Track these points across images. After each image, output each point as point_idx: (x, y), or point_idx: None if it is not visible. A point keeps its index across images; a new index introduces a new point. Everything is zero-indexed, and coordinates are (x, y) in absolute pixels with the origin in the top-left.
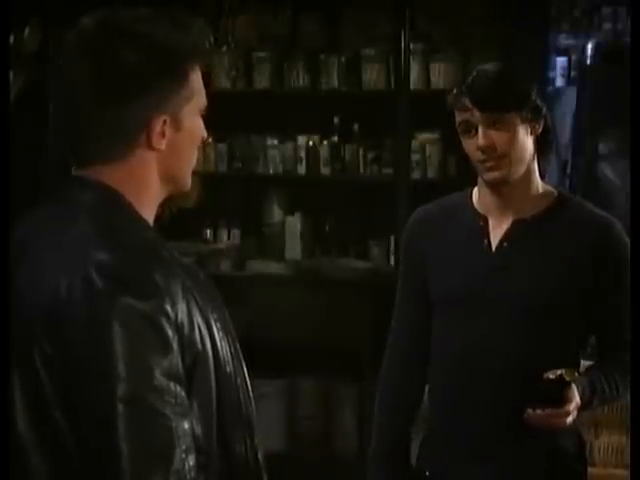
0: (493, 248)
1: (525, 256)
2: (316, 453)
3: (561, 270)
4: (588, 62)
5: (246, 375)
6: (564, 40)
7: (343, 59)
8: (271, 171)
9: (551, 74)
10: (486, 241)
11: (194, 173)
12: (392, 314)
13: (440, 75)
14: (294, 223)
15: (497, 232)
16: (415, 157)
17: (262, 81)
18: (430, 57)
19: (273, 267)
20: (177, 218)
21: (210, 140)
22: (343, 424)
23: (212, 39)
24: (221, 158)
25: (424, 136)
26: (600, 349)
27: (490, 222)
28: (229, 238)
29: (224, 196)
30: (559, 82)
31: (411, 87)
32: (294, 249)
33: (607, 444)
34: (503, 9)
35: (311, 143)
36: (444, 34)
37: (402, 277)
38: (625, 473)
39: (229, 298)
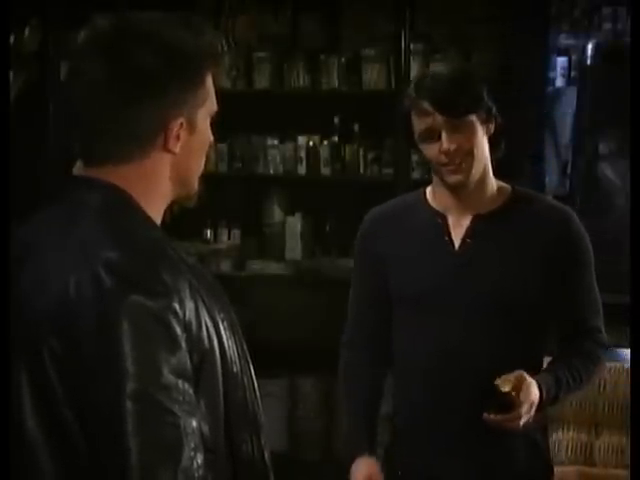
0: (456, 246)
1: (489, 252)
2: (316, 453)
3: (526, 264)
4: (588, 62)
5: (253, 375)
6: (564, 40)
7: (343, 59)
8: (271, 171)
9: (551, 74)
10: (447, 239)
11: None
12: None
13: None
14: (294, 223)
15: (458, 230)
16: (415, 157)
17: (262, 81)
18: (430, 57)
19: (273, 267)
20: (178, 218)
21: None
22: (343, 424)
23: (225, 44)
24: (221, 158)
25: None
26: (562, 339)
27: (449, 220)
28: (229, 238)
29: (224, 196)
30: (559, 82)
31: None
32: (294, 249)
33: (607, 444)
34: (503, 9)
35: (311, 143)
36: (444, 34)
37: (359, 277)
38: (625, 473)
39: (229, 298)
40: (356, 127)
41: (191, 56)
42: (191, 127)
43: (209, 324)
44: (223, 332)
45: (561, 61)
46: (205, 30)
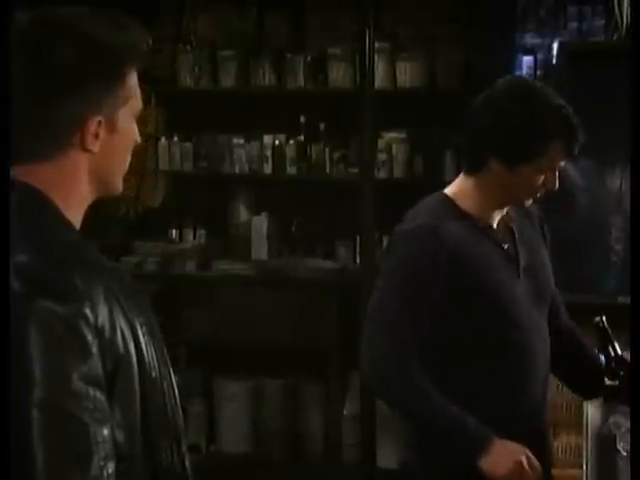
0: (505, 248)
1: (524, 252)
2: (282, 454)
3: (543, 256)
4: (554, 61)
5: (173, 380)
6: (530, 39)
7: (309, 58)
8: (237, 170)
9: (517, 73)
10: (499, 245)
11: (162, 173)
12: (358, 313)
13: (406, 74)
14: (260, 223)
15: (500, 236)
16: (381, 156)
17: (228, 80)
18: (396, 56)
19: (239, 267)
20: (143, 218)
21: (176, 139)
22: (310, 425)
23: (150, 41)
24: (186, 157)
25: (390, 135)
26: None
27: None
28: (195, 238)
29: (190, 196)
30: None
31: (377, 86)
32: (260, 249)
33: (565, 444)
34: (469, 9)
35: (277, 142)
36: (410, 33)
37: (422, 283)
38: (581, 473)
39: (195, 299)
40: (322, 126)
41: (111, 53)
42: (111, 126)
43: (125, 329)
44: (141, 337)
45: (527, 60)
46: (129, 26)
